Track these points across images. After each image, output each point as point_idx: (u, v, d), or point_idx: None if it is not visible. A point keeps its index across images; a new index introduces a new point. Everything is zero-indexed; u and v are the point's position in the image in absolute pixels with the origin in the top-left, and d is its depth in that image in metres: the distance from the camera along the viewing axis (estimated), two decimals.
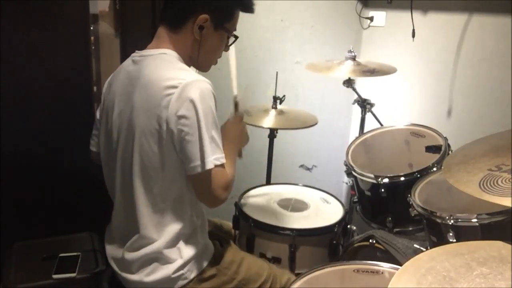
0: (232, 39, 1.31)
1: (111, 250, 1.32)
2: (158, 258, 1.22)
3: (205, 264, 1.27)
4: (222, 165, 1.16)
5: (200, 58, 1.26)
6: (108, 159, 1.31)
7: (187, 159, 1.14)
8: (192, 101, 1.11)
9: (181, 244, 1.24)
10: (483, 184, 0.93)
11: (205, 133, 1.12)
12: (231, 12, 1.25)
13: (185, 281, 1.24)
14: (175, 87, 1.11)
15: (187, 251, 1.24)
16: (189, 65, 1.27)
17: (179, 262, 1.22)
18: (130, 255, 1.24)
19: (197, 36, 1.21)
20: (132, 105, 1.17)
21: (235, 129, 1.35)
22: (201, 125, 1.12)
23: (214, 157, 1.13)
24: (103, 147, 1.34)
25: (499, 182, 0.91)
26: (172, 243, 1.23)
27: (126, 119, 1.20)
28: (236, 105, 1.44)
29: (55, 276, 1.52)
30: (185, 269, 1.23)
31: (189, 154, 1.13)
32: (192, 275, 1.25)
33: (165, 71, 1.16)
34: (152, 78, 1.15)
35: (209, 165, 1.13)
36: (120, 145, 1.23)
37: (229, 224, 1.72)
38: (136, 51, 1.27)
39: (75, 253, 1.65)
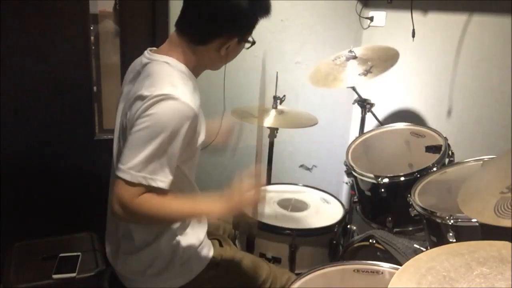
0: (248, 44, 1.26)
1: (111, 249, 1.32)
2: (158, 259, 1.22)
3: (204, 264, 1.27)
4: (142, 186, 1.05)
5: (219, 66, 1.27)
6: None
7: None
8: (165, 113, 1.05)
9: (180, 245, 1.24)
10: (497, 210, 0.90)
11: (153, 148, 1.04)
12: (254, 26, 1.22)
13: (185, 282, 1.24)
14: (159, 95, 1.06)
15: (186, 252, 1.24)
16: (197, 74, 1.24)
17: (179, 263, 1.22)
18: (130, 255, 1.24)
19: (224, 53, 1.19)
20: (125, 106, 1.18)
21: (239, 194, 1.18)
22: (144, 135, 1.04)
23: (147, 176, 1.04)
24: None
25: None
26: (172, 244, 1.23)
27: (120, 119, 1.22)
28: (257, 154, 1.29)
29: (55, 276, 1.52)
30: (185, 270, 1.23)
31: (123, 153, 1.07)
32: (192, 276, 1.25)
33: (162, 80, 1.12)
34: (148, 85, 1.11)
35: (124, 174, 1.04)
36: (115, 145, 1.24)
37: (229, 225, 1.71)
38: (149, 49, 1.23)
39: (75, 253, 1.65)
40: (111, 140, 1.29)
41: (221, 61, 1.24)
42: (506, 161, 1.06)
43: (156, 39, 1.99)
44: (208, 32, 1.17)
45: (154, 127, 1.05)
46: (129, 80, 1.23)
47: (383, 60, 1.94)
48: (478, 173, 1.14)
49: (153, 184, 1.06)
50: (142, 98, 1.08)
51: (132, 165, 1.04)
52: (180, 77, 1.15)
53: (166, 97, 1.06)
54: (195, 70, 1.22)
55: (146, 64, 1.19)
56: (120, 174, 1.05)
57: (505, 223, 0.87)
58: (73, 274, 1.54)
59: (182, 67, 1.18)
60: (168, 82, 1.11)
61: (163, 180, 1.07)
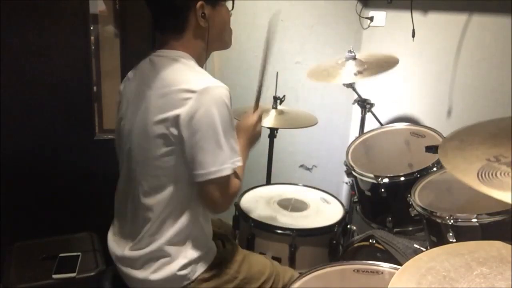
0: (230, 2, 1.27)
1: (115, 248, 1.32)
2: (164, 257, 1.22)
3: (207, 265, 1.28)
4: (235, 173, 1.18)
5: (216, 40, 1.26)
6: (120, 156, 1.32)
7: (199, 166, 1.13)
8: (209, 107, 1.10)
9: (187, 245, 1.24)
10: (481, 175, 0.89)
11: (223, 139, 1.12)
12: None
13: (188, 281, 1.24)
14: (193, 91, 1.11)
15: (192, 253, 1.24)
16: (202, 64, 1.26)
17: (182, 262, 1.23)
18: (135, 253, 1.24)
19: (204, 24, 1.19)
20: (147, 107, 1.17)
21: (253, 128, 1.34)
22: (218, 131, 1.11)
23: (231, 161, 1.14)
24: (116, 144, 1.33)
25: (498, 175, 0.88)
26: (178, 243, 1.23)
27: (140, 120, 1.19)
28: (257, 98, 1.42)
29: (55, 276, 1.52)
30: (189, 269, 1.23)
31: (204, 160, 1.12)
32: (195, 276, 1.25)
33: (183, 74, 1.16)
34: (169, 81, 1.14)
35: (226, 171, 1.14)
36: (133, 145, 1.23)
37: (229, 224, 1.72)
38: (156, 51, 1.24)
39: (75, 253, 1.65)
40: (111, 140, 1.29)
41: (212, 34, 1.22)
42: (496, 128, 1.05)
43: (156, 39, 1.99)
44: (177, 11, 1.18)
45: (211, 120, 1.11)
46: (140, 78, 1.23)
47: (379, 65, 1.97)
48: (465, 129, 1.12)
49: (237, 165, 1.16)
50: (182, 93, 1.11)
51: (220, 161, 1.12)
52: (197, 66, 1.21)
53: (205, 89, 1.11)
54: (199, 59, 1.24)
55: (156, 61, 1.21)
56: (218, 174, 1.13)
57: (486, 190, 0.85)
58: (73, 274, 1.54)
59: (192, 59, 1.22)
60: (194, 73, 1.17)
61: (239, 158, 1.17)
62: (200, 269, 1.26)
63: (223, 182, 1.15)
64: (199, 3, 1.17)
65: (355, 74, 1.93)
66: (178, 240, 1.23)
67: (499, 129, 1.04)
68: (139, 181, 1.22)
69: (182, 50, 1.21)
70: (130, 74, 1.32)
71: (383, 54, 2.04)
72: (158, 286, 1.23)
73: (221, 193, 1.16)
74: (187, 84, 1.12)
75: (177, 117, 1.11)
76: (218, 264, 1.30)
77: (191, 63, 1.20)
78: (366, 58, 2.01)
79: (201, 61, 1.26)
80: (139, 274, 1.24)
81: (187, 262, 1.23)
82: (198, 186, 1.17)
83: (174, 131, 1.13)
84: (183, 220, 1.22)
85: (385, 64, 1.95)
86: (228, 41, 1.30)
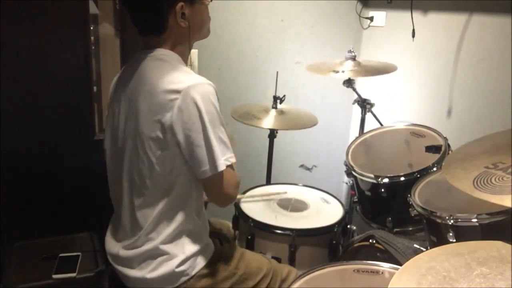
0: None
1: (113, 248, 1.32)
2: (161, 255, 1.23)
3: (205, 261, 1.28)
4: (231, 165, 1.19)
5: (196, 35, 1.26)
6: (113, 159, 1.31)
7: (198, 164, 1.16)
8: (196, 105, 1.11)
9: (183, 241, 1.25)
10: (477, 182, 0.93)
11: (212, 136, 1.14)
12: None
13: (186, 277, 1.24)
14: (178, 91, 1.11)
15: (189, 248, 1.25)
16: (186, 59, 1.27)
17: (181, 258, 1.23)
18: (131, 252, 1.24)
19: (184, 24, 1.20)
20: (137, 110, 1.17)
21: None
22: (207, 128, 1.13)
23: (225, 158, 1.16)
24: (108, 147, 1.33)
25: (492, 180, 0.92)
26: (175, 240, 1.23)
27: (132, 123, 1.20)
28: None
29: (55, 276, 1.52)
30: (187, 265, 1.24)
31: (200, 159, 1.15)
32: (194, 271, 1.25)
33: (167, 75, 1.16)
34: (156, 82, 1.15)
35: (221, 167, 1.15)
36: (127, 147, 1.23)
37: (229, 224, 1.72)
38: (141, 51, 1.25)
39: (75, 253, 1.65)
40: None
41: (191, 32, 1.22)
42: (501, 139, 1.07)
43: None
44: (156, 15, 1.18)
45: (199, 119, 1.12)
46: (128, 81, 1.23)
47: (375, 68, 1.98)
48: (472, 142, 1.16)
49: (230, 161, 1.18)
50: (168, 94, 1.12)
51: (212, 158, 1.15)
52: (181, 64, 1.21)
53: (189, 87, 1.12)
54: (183, 55, 1.25)
55: (143, 63, 1.21)
56: (213, 171, 1.16)
57: (479, 195, 0.90)
58: (73, 274, 1.54)
59: (176, 56, 1.22)
60: (178, 73, 1.17)
61: (232, 155, 1.19)
62: (199, 265, 1.26)
63: (220, 177, 1.18)
64: (179, 4, 1.17)
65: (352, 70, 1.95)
66: (174, 237, 1.23)
67: (504, 140, 1.06)
68: (135, 184, 1.22)
69: (166, 48, 1.21)
70: (117, 77, 1.32)
71: (381, 62, 2.05)
72: (156, 284, 1.24)
73: (220, 188, 1.20)
74: (172, 84, 1.13)
75: (168, 121, 1.12)
76: (217, 260, 1.31)
77: (175, 62, 1.21)
78: (366, 61, 2.02)
79: (185, 56, 1.27)
80: (136, 273, 1.24)
81: (185, 258, 1.23)
82: (201, 182, 1.22)
83: (168, 134, 1.14)
84: (178, 217, 1.23)
85: (383, 70, 1.97)
86: (207, 33, 1.30)
